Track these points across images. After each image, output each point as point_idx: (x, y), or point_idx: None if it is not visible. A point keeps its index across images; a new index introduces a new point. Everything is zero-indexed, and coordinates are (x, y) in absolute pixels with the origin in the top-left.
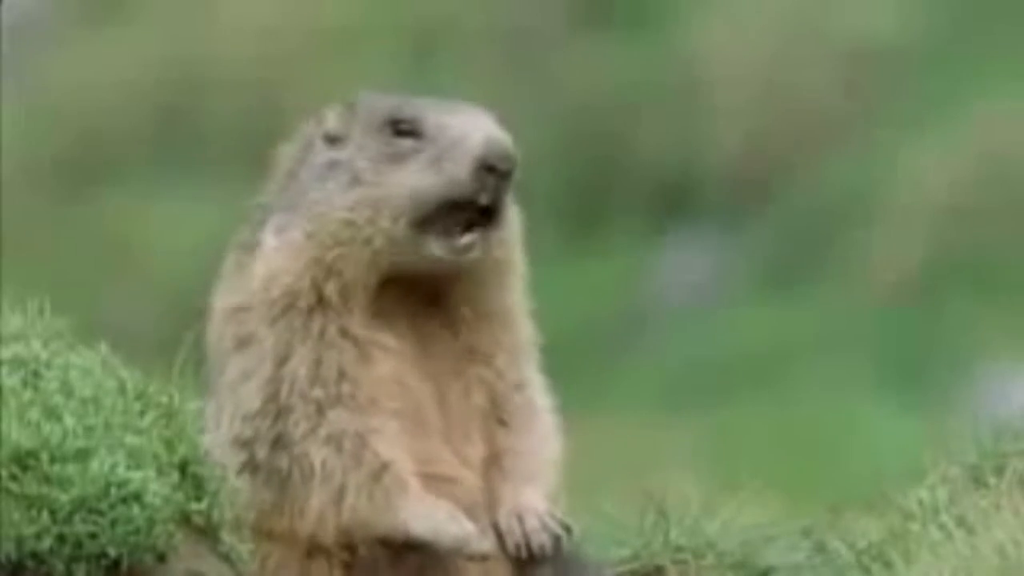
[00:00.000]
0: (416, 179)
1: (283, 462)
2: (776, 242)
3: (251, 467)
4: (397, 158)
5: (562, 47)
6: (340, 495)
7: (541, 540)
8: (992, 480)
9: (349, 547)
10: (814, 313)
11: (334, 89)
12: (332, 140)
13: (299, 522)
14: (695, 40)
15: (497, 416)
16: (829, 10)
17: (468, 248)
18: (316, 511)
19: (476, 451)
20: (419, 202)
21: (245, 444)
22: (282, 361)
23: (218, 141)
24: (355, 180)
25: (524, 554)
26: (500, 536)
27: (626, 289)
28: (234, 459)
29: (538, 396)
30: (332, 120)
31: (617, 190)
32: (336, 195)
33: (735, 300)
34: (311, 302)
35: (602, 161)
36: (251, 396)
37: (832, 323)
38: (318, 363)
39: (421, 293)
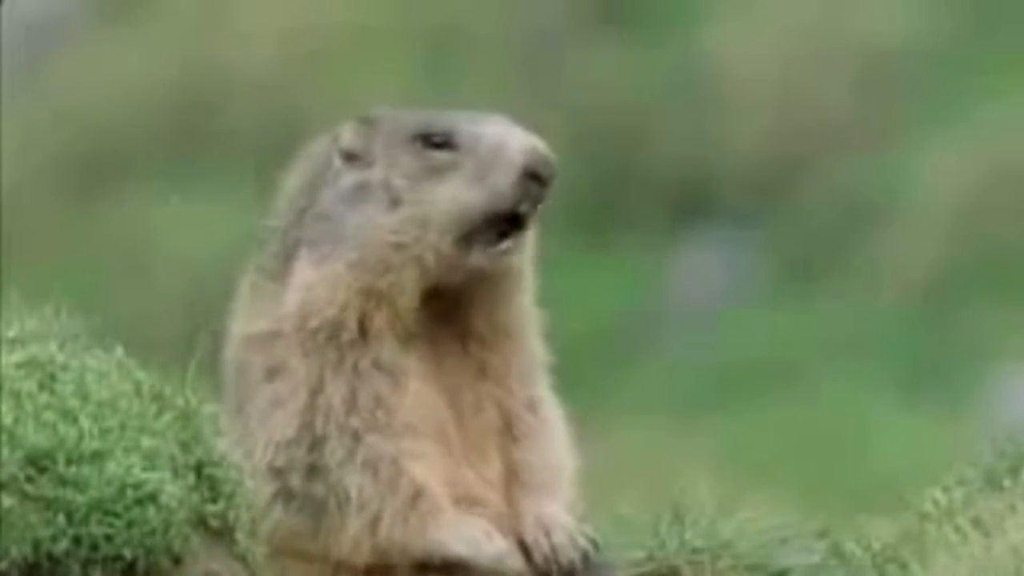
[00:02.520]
0: (459, 193)
1: (318, 490)
2: (792, 243)
3: (285, 495)
4: (435, 172)
5: (578, 48)
6: (376, 522)
7: (570, 556)
8: (1007, 482)
9: (381, 570)
10: (830, 314)
11: (351, 92)
12: (350, 157)
13: (334, 548)
14: (711, 41)
15: (510, 433)
16: (845, 12)
17: (507, 253)
18: (352, 538)
19: (494, 469)
20: (466, 216)
21: (279, 473)
22: (316, 391)
23: (235, 143)
24: (395, 200)
25: (553, 567)
26: (525, 550)
27: (642, 290)
28: (267, 488)
29: (551, 413)
30: (348, 137)
31: (633, 191)
32: (378, 218)
33: (751, 301)
34: (353, 335)
35: (618, 163)
36: (284, 425)
37: (848, 324)
38: (353, 393)
39: (436, 310)
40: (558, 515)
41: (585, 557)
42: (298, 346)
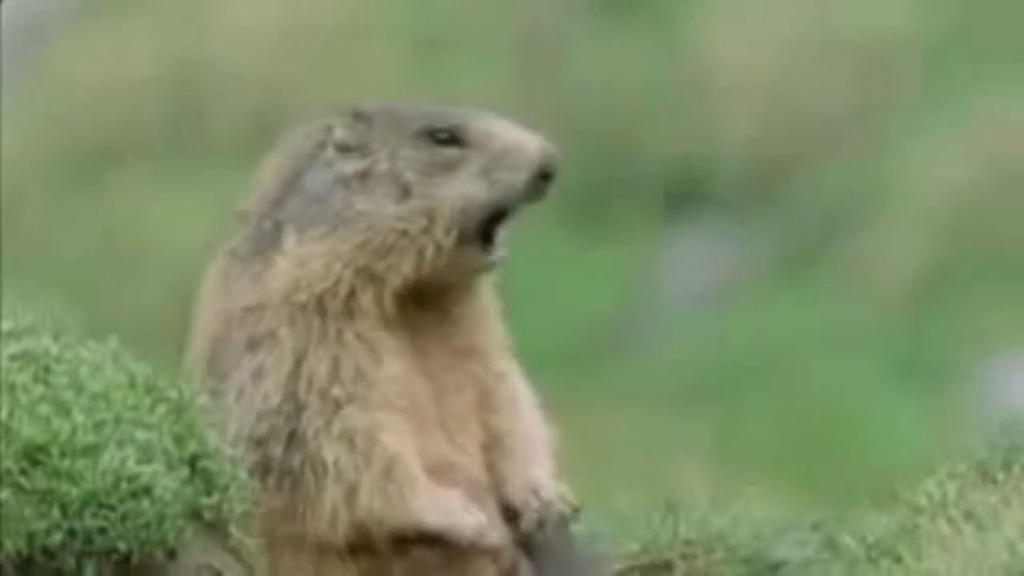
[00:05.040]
0: (468, 188)
1: (296, 460)
2: (786, 237)
3: (264, 467)
4: (446, 167)
5: (573, 42)
6: (352, 493)
7: (561, 510)
8: (1000, 475)
9: (363, 548)
10: (824, 308)
11: (342, 86)
12: (344, 149)
13: (311, 522)
14: (706, 35)
15: (488, 405)
16: (840, 8)
17: (501, 260)
18: (328, 510)
19: (473, 442)
20: (472, 212)
21: (260, 442)
22: (300, 359)
23: (227, 138)
24: (405, 191)
25: (546, 525)
26: (513, 514)
27: (635, 283)
28: (246, 460)
29: (520, 386)
30: (341, 130)
31: (628, 185)
32: (388, 206)
33: (745, 295)
34: (339, 309)
35: (612, 156)
36: (269, 394)
37: (842, 318)
38: (336, 362)
39: (415, 296)
40: (543, 477)
41: (575, 514)
42: (285, 317)
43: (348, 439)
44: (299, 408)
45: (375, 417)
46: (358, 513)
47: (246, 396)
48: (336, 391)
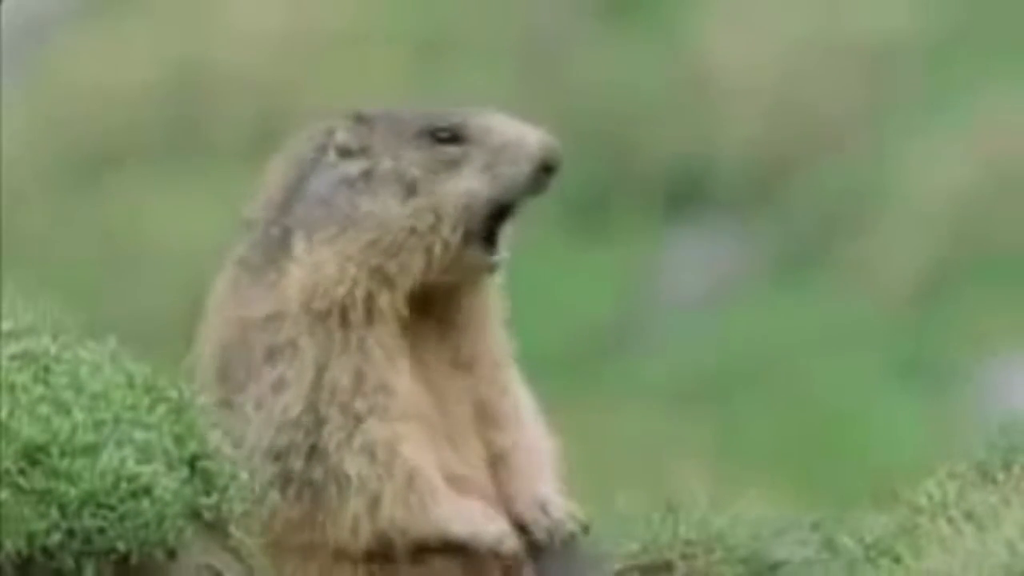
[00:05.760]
0: (470, 184)
1: (317, 473)
2: (786, 238)
3: (283, 479)
4: (449, 165)
5: (574, 45)
6: (375, 505)
7: (571, 528)
8: (1000, 476)
9: (376, 555)
10: (824, 308)
11: (343, 90)
12: (346, 153)
13: (332, 533)
14: (706, 37)
15: (490, 419)
16: (841, 9)
17: (501, 263)
18: (350, 521)
19: (476, 453)
20: (476, 207)
21: (279, 455)
22: (322, 370)
23: (228, 140)
24: (411, 189)
25: (556, 542)
26: (520, 530)
27: (635, 285)
28: (265, 472)
29: (523, 397)
30: (343, 133)
31: (628, 186)
32: (395, 206)
33: (745, 295)
34: (359, 315)
35: (614, 158)
36: (289, 405)
37: (842, 318)
38: (359, 374)
39: (415, 303)
40: (551, 494)
41: (585, 531)
42: (305, 326)
43: (369, 451)
44: (320, 421)
45: (395, 428)
46: (381, 523)
47: (265, 408)
48: (358, 404)
